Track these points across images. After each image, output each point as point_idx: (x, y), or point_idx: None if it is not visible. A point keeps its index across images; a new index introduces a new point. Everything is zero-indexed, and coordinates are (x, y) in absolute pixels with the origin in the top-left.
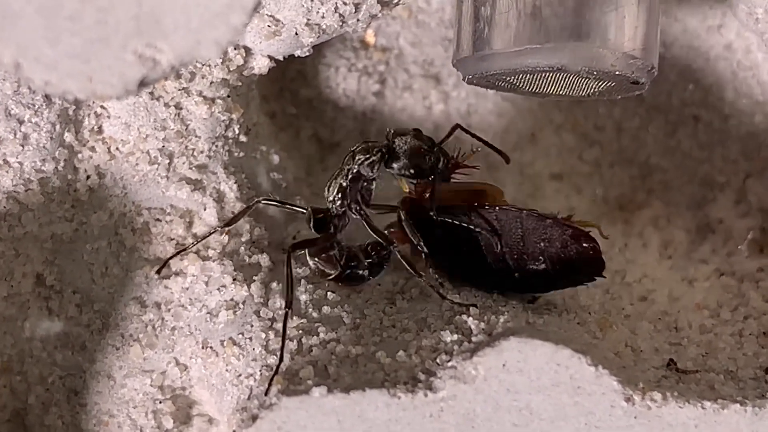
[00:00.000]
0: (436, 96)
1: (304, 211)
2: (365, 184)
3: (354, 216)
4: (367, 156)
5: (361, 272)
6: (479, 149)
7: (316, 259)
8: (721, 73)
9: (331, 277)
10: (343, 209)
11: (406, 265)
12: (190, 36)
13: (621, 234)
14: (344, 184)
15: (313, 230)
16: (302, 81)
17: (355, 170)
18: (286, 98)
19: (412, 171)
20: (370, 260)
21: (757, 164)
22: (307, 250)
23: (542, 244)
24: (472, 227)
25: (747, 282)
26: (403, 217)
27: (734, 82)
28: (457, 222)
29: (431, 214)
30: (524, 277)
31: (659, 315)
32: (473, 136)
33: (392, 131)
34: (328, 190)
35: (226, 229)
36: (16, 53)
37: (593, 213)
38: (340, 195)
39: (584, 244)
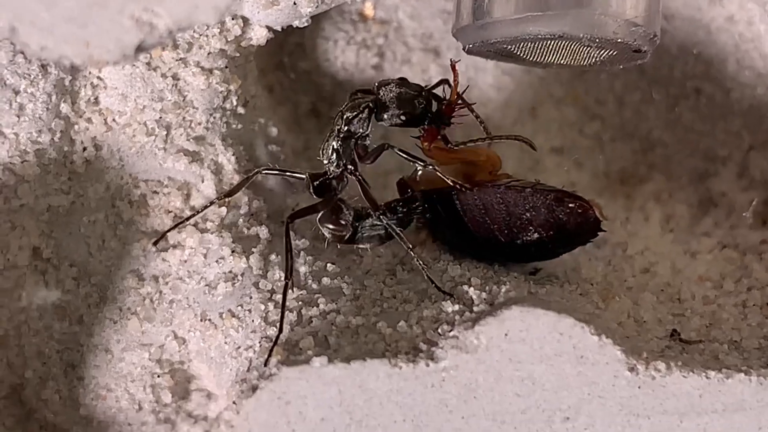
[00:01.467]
0: (435, 69)
1: (302, 176)
2: (358, 141)
3: (351, 176)
4: (356, 113)
5: (375, 232)
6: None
7: (326, 224)
8: (723, 46)
9: (346, 239)
10: (339, 170)
11: (398, 239)
12: (187, 0)
13: (622, 208)
14: (336, 144)
15: (313, 195)
16: (300, 54)
17: (345, 129)
18: (284, 71)
19: (403, 118)
20: (396, 215)
21: (759, 137)
22: (318, 218)
23: (528, 214)
24: (457, 209)
25: (750, 254)
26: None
27: (736, 55)
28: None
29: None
30: (519, 249)
31: (662, 287)
32: (464, 101)
33: (377, 83)
34: (322, 152)
35: (226, 200)
36: (12, 17)
37: (595, 187)
38: (335, 156)
39: (570, 204)
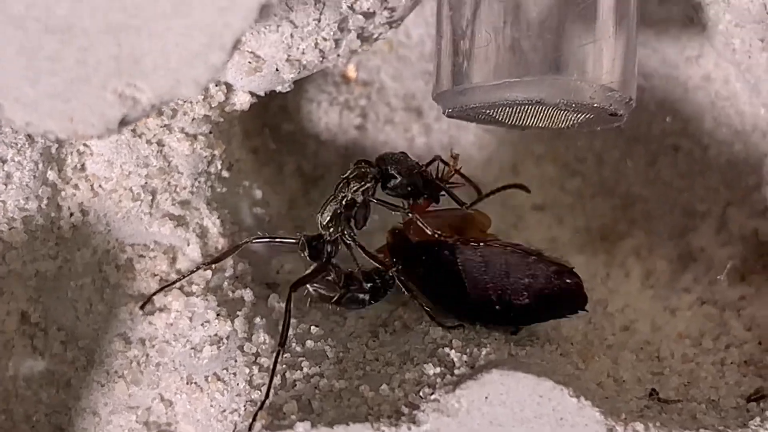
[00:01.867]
0: (418, 129)
1: (294, 241)
2: (359, 209)
3: (348, 241)
4: (362, 183)
5: (361, 296)
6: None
7: (315, 284)
8: (700, 103)
9: (333, 300)
10: (336, 235)
11: (402, 286)
12: (169, 75)
13: (603, 264)
14: (339, 210)
15: (307, 257)
16: (284, 116)
17: (349, 197)
18: (268, 134)
19: (409, 189)
20: (371, 284)
21: (737, 193)
22: (289, 287)
23: (526, 280)
24: (457, 262)
25: (729, 311)
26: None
27: (713, 112)
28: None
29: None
30: (507, 311)
31: (641, 344)
32: (454, 169)
33: (380, 156)
34: (322, 215)
35: (213, 266)
36: None
37: (575, 243)
38: (334, 222)
39: (567, 280)
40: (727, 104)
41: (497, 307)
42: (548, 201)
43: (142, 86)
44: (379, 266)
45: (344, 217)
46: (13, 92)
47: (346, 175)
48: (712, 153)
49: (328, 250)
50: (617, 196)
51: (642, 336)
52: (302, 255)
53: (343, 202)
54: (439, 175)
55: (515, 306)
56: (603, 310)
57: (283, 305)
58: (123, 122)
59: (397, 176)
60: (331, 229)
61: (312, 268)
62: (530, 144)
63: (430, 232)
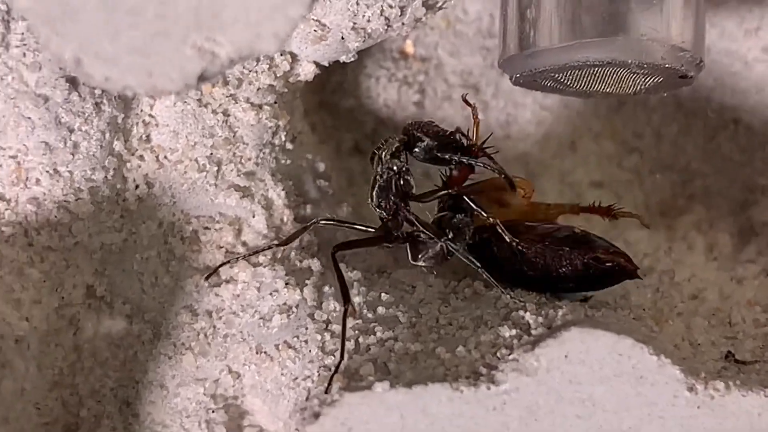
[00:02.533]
0: (477, 104)
1: (363, 228)
2: (400, 177)
3: (404, 214)
4: (389, 148)
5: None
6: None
7: (423, 260)
8: (760, 76)
9: (443, 256)
10: (391, 212)
11: (463, 257)
12: (249, 29)
13: (665, 239)
14: (382, 184)
15: (388, 246)
16: (342, 92)
17: (386, 168)
18: (327, 110)
19: (436, 152)
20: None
21: None
22: (409, 255)
23: (564, 270)
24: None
25: None
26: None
27: None
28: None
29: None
30: (554, 289)
31: (712, 311)
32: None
33: (408, 123)
34: (372, 199)
35: (282, 248)
36: (77, 49)
37: (635, 220)
38: (384, 196)
39: (607, 264)
40: None
41: (546, 288)
42: (606, 178)
43: (221, 40)
44: (435, 236)
45: (391, 191)
46: (93, 47)
47: (374, 150)
48: None
49: (395, 226)
50: (676, 172)
51: (712, 303)
52: (384, 247)
53: (384, 176)
54: (471, 140)
55: (561, 288)
56: (670, 280)
57: (350, 275)
58: (202, 77)
59: (424, 138)
60: (384, 207)
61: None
62: (588, 120)
63: (507, 238)
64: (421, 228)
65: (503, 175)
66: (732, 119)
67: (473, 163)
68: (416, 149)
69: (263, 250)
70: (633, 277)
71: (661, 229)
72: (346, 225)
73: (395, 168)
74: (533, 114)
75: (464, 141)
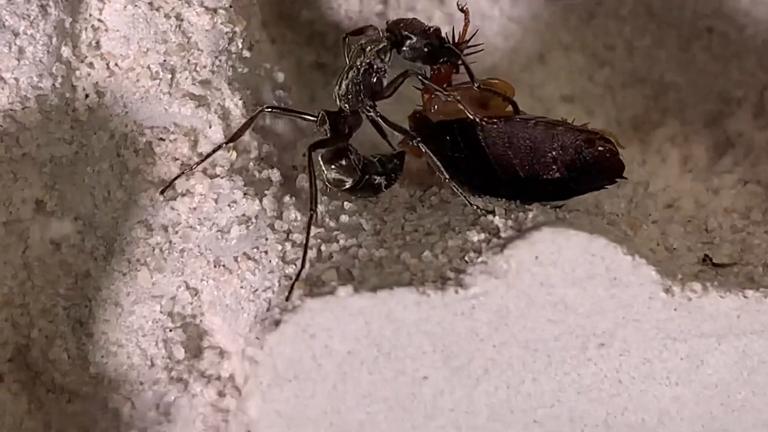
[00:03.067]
0: (440, 16)
1: (312, 118)
2: (376, 77)
3: (368, 113)
4: (376, 44)
5: (377, 181)
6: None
7: (333, 166)
8: None
9: (346, 186)
10: (356, 108)
11: (429, 160)
12: None
13: (638, 152)
14: (356, 78)
15: (327, 133)
16: (302, 3)
17: (366, 62)
18: (286, 23)
19: (425, 49)
20: (384, 169)
21: None
22: (321, 158)
23: (554, 152)
24: (479, 140)
25: None
26: (423, 149)
27: None
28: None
29: (474, 86)
30: (538, 186)
31: (687, 219)
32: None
33: (393, 20)
34: (339, 88)
35: (231, 144)
36: None
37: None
38: (353, 90)
39: (599, 148)
40: None
41: (526, 184)
42: (577, 92)
43: None
44: (405, 135)
45: (363, 86)
46: None
47: (360, 41)
48: (749, 33)
49: (350, 124)
50: (649, 85)
51: (687, 212)
52: (322, 130)
53: (360, 69)
54: (456, 40)
55: (545, 180)
56: (644, 191)
57: None
58: None
59: (412, 36)
60: (350, 101)
61: (333, 137)
62: (557, 33)
63: (473, 116)
64: (386, 125)
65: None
66: (706, 28)
67: (461, 60)
68: (405, 48)
69: (215, 151)
70: (619, 173)
71: (635, 143)
72: (293, 113)
73: (375, 66)
74: (501, 27)
75: (453, 37)
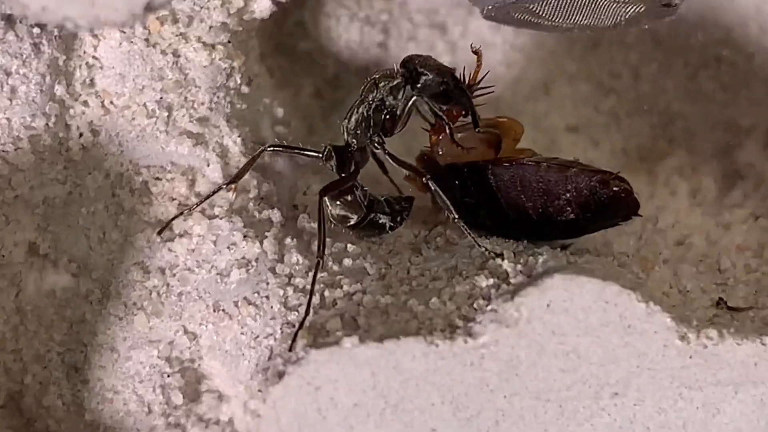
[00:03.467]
0: (443, 46)
1: (316, 154)
2: (388, 113)
3: (377, 149)
4: (390, 80)
5: (382, 221)
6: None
7: (339, 202)
8: (744, 9)
9: (351, 223)
10: (364, 143)
11: (438, 199)
12: None
13: (646, 184)
14: (367, 113)
15: (333, 168)
16: (301, 34)
17: (379, 98)
18: (284, 54)
19: (439, 89)
20: (391, 210)
21: None
22: (329, 195)
23: (568, 195)
24: (491, 184)
25: None
26: (432, 186)
27: (758, 18)
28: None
29: (475, 129)
30: (553, 228)
31: (700, 257)
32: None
33: (407, 56)
34: (348, 121)
35: (233, 185)
36: None
37: (613, 166)
38: (363, 126)
39: (615, 188)
40: None
41: (538, 226)
42: (582, 122)
43: None
44: (414, 172)
45: (373, 122)
46: None
47: (373, 76)
48: (758, 63)
49: (356, 159)
50: (656, 114)
51: (698, 249)
52: (328, 165)
53: (372, 105)
54: (467, 81)
55: (560, 222)
56: (653, 226)
57: (313, 224)
58: (149, 6)
59: (428, 74)
60: (359, 136)
61: (341, 177)
62: (562, 61)
63: (458, 147)
64: (395, 162)
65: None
66: (714, 56)
67: (470, 104)
68: (419, 84)
69: (215, 192)
70: (635, 210)
71: (641, 174)
72: (297, 151)
73: (387, 102)
74: (504, 55)
75: (463, 78)
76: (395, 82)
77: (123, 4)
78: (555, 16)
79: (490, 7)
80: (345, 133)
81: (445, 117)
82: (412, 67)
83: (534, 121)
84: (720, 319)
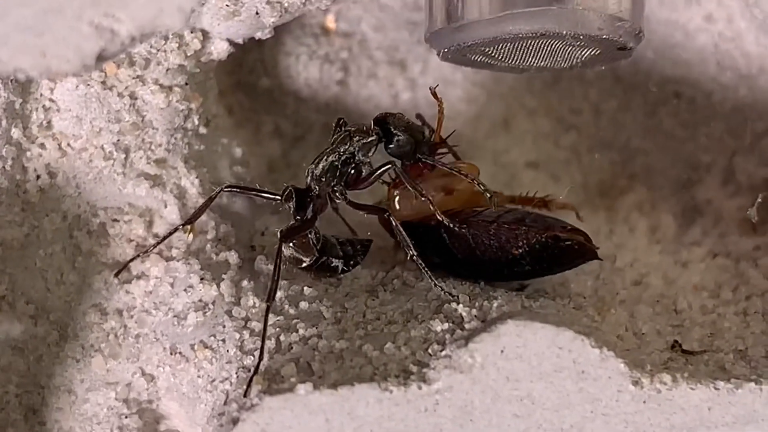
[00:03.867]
0: (403, 83)
1: (273, 196)
2: (355, 168)
3: (338, 199)
4: (365, 136)
5: (334, 264)
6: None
7: (291, 244)
8: (702, 46)
9: (303, 265)
10: (327, 190)
11: (399, 235)
12: (150, 3)
13: (605, 221)
14: (337, 164)
15: (292, 209)
16: (261, 71)
17: (350, 151)
18: (244, 91)
19: (409, 148)
20: (344, 253)
21: (743, 140)
22: (282, 235)
23: (521, 250)
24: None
25: (744, 261)
26: (393, 223)
27: (716, 55)
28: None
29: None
30: (510, 274)
31: (656, 298)
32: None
33: (381, 114)
34: (316, 167)
35: (189, 226)
36: None
37: (573, 201)
38: (329, 175)
39: (567, 242)
40: (732, 46)
41: (497, 273)
42: (542, 157)
43: (120, 17)
44: (374, 214)
45: (339, 173)
46: None
47: (348, 128)
48: (716, 99)
49: (316, 205)
50: (616, 150)
51: (656, 290)
52: (287, 206)
53: (342, 157)
54: (436, 134)
55: (517, 271)
56: (611, 265)
57: (270, 266)
58: (101, 57)
59: (401, 135)
60: (323, 183)
61: (298, 222)
62: (522, 97)
63: (443, 219)
64: (355, 208)
65: (476, 182)
66: (673, 93)
67: (438, 163)
68: (391, 145)
69: (172, 233)
70: (592, 257)
71: (601, 210)
72: (253, 192)
73: (357, 158)
74: (464, 91)
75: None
76: (369, 140)
77: (74, 54)
78: (511, 58)
79: (446, 50)
80: (309, 177)
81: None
82: (387, 127)
83: (494, 157)
84: (674, 363)
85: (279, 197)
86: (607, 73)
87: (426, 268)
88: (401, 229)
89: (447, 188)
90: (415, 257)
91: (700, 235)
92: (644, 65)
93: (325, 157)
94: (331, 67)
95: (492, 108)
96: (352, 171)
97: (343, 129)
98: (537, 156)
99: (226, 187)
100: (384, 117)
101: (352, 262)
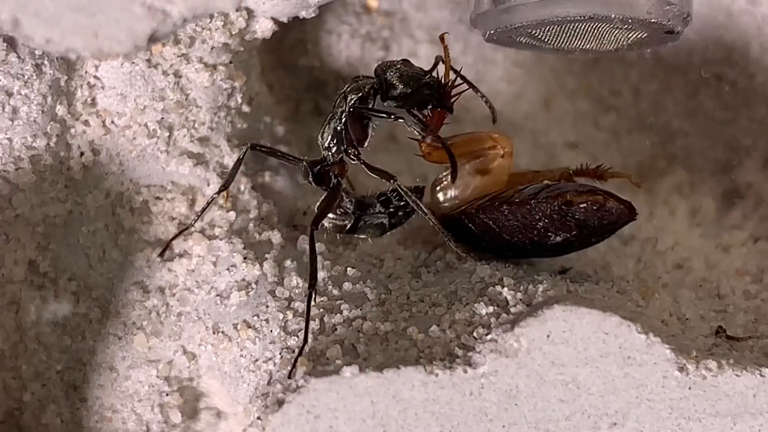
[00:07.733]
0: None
1: (298, 159)
2: (360, 124)
3: (352, 161)
4: (360, 93)
5: (379, 219)
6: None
7: (328, 214)
8: (745, 29)
9: (347, 229)
10: (340, 156)
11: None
12: None
13: (645, 203)
14: (339, 127)
15: (312, 183)
16: (302, 50)
17: (346, 108)
18: (285, 69)
19: (410, 99)
20: (389, 207)
21: None
22: (317, 206)
23: (541, 223)
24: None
25: None
26: (402, 189)
27: (760, 38)
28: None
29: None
30: (549, 249)
31: (699, 282)
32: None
33: (380, 64)
34: (322, 137)
35: (225, 192)
36: (15, 8)
37: (612, 183)
38: (335, 140)
39: (582, 205)
40: None
41: (536, 251)
42: (581, 138)
43: None
44: (383, 178)
45: (346, 135)
46: (33, 6)
47: (342, 89)
48: (759, 82)
49: (335, 173)
50: (655, 132)
51: (698, 273)
52: (307, 181)
53: (343, 119)
54: (444, 81)
55: (552, 246)
56: (652, 248)
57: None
58: (152, 38)
59: (398, 84)
60: (334, 150)
61: (324, 197)
62: (562, 78)
63: (446, 148)
64: (368, 170)
65: (486, 102)
66: (715, 75)
67: (449, 107)
68: (389, 97)
69: (209, 203)
70: (624, 218)
71: (640, 192)
72: (279, 153)
73: (356, 111)
74: (504, 71)
75: (438, 80)
76: (364, 91)
77: (126, 35)
78: (557, 41)
79: (492, 31)
80: (321, 149)
81: (425, 121)
82: (383, 76)
83: (533, 137)
84: (719, 349)
85: (302, 159)
86: (648, 54)
87: (441, 228)
88: (411, 195)
89: (481, 169)
90: (428, 217)
91: (740, 218)
92: (686, 47)
93: (328, 125)
94: (373, 46)
95: (532, 88)
96: (358, 130)
97: (339, 91)
98: (576, 137)
99: (252, 146)
100: (383, 66)
101: (401, 214)
